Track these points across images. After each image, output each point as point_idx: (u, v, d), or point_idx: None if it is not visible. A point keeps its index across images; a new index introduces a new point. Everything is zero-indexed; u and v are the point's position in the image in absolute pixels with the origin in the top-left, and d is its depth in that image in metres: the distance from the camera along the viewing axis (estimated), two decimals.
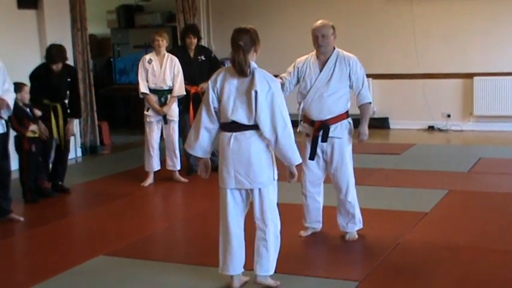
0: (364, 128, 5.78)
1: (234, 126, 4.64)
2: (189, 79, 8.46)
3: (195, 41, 8.56)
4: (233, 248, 4.78)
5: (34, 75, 7.66)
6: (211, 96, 4.68)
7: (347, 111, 5.72)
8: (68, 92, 7.88)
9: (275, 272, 4.83)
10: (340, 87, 5.62)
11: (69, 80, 7.78)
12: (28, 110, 7.38)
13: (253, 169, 4.67)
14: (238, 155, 4.67)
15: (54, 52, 7.59)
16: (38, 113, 7.39)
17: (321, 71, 5.64)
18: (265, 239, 4.75)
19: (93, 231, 6.58)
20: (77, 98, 8.10)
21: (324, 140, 5.62)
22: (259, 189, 4.71)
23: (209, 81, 4.75)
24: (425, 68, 11.72)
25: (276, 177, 4.77)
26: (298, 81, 5.75)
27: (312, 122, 5.68)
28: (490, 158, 9.20)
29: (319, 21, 5.70)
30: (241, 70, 4.58)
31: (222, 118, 4.69)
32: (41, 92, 7.58)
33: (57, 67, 7.58)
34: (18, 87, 7.30)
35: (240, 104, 4.60)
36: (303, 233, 5.92)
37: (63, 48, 7.71)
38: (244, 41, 4.60)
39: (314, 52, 5.73)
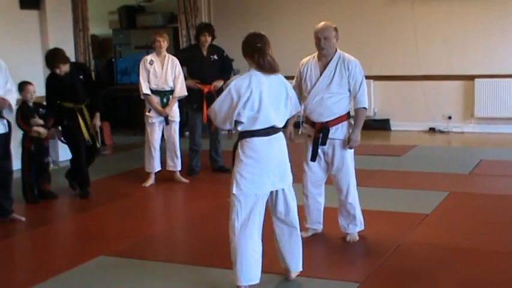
0: (356, 135, 5.67)
1: (272, 131, 4.68)
2: (201, 78, 8.49)
3: (209, 39, 8.57)
4: (258, 254, 4.72)
5: (47, 85, 7.70)
6: (243, 105, 4.60)
7: (348, 113, 5.72)
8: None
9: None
10: (340, 90, 5.61)
11: (81, 77, 7.77)
12: (33, 108, 7.45)
13: (286, 169, 4.79)
14: (278, 157, 4.72)
15: (50, 58, 7.56)
16: (38, 121, 7.42)
17: (321, 74, 5.63)
18: (298, 235, 4.90)
19: (94, 231, 6.59)
20: (94, 91, 7.99)
21: (323, 143, 5.63)
22: (284, 189, 4.78)
23: (239, 90, 4.61)
24: (426, 69, 11.72)
25: None
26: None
27: (313, 124, 5.69)
28: (491, 160, 9.20)
29: (322, 23, 5.68)
30: (272, 67, 4.66)
31: (256, 125, 4.64)
32: (60, 98, 7.62)
33: (61, 70, 7.55)
34: (22, 86, 7.35)
35: (276, 108, 4.68)
36: (303, 234, 5.91)
37: (57, 50, 7.64)
38: (261, 43, 4.67)
39: (316, 53, 5.73)
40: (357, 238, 5.83)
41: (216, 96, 8.42)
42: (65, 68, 7.55)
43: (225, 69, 8.71)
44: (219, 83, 8.51)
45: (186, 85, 8.43)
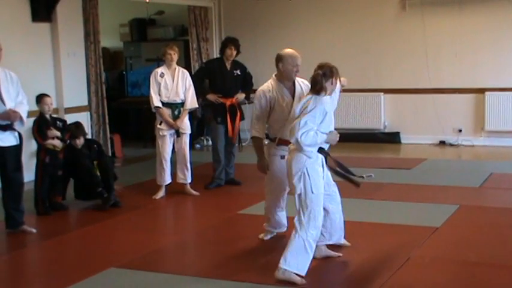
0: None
1: None
2: (223, 92, 8.53)
3: (234, 53, 8.61)
4: None
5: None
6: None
7: None
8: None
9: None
10: None
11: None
12: (50, 120, 7.54)
13: None
14: None
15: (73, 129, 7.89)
16: (55, 133, 7.51)
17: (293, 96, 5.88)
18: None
19: (105, 243, 6.61)
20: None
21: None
22: None
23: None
24: (437, 83, 11.72)
25: None
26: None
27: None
28: (502, 173, 9.18)
29: (292, 51, 5.92)
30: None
31: None
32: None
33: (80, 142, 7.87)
34: (39, 98, 7.43)
35: None
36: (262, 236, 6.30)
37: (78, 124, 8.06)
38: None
39: (274, 78, 5.97)
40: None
41: (238, 109, 8.53)
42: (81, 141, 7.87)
43: (246, 85, 8.78)
44: (241, 96, 8.64)
45: (208, 99, 8.49)
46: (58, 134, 7.52)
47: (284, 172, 5.62)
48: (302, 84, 5.93)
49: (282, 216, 6.26)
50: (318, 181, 5.17)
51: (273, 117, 5.94)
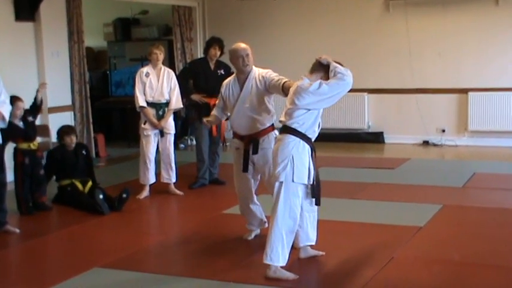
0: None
1: None
2: (207, 91, 8.53)
3: (218, 53, 8.62)
4: None
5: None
6: None
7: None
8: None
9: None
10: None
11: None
12: (22, 125, 7.45)
13: None
14: None
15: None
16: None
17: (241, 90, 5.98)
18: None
19: (89, 243, 6.59)
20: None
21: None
22: None
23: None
24: (420, 82, 11.78)
25: None
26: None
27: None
28: (485, 173, 9.23)
29: (238, 44, 6.00)
30: None
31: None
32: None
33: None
34: (11, 101, 7.32)
35: None
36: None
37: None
38: None
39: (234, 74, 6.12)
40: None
41: None
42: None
43: None
44: None
45: (192, 99, 8.50)
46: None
47: (239, 164, 5.98)
48: (259, 77, 5.94)
49: (257, 210, 6.25)
50: (301, 171, 5.16)
51: (230, 111, 6.12)
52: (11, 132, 7.22)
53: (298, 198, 5.20)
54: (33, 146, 7.52)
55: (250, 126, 5.93)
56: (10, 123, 7.23)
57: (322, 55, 5.29)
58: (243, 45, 5.97)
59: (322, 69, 5.24)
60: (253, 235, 6.33)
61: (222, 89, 6.15)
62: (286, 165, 5.12)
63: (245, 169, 5.98)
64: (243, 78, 5.99)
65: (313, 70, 5.29)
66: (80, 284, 5.34)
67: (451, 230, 6.62)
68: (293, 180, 5.13)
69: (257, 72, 5.96)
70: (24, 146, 7.44)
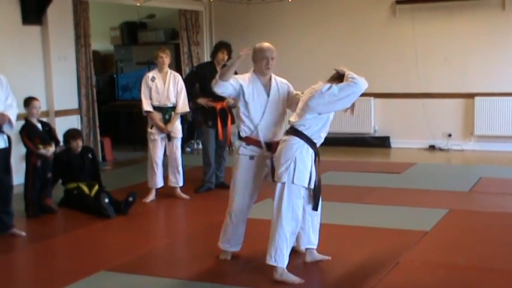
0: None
1: None
2: (214, 95, 8.49)
3: (226, 57, 8.58)
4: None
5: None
6: None
7: None
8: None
9: None
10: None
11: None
12: (40, 126, 7.50)
13: None
14: None
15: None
16: (48, 152, 7.54)
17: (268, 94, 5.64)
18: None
19: (95, 246, 6.60)
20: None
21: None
22: None
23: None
24: (427, 87, 11.77)
25: None
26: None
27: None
28: (491, 178, 9.21)
29: (266, 44, 5.69)
30: None
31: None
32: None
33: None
34: (27, 101, 7.39)
35: None
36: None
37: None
38: None
39: (251, 72, 5.70)
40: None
41: (229, 112, 8.50)
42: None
43: None
44: (232, 100, 8.57)
45: (199, 103, 8.50)
46: (50, 152, 7.54)
47: (251, 175, 5.59)
48: (280, 83, 5.70)
49: (244, 229, 5.89)
50: (303, 173, 5.17)
51: (246, 111, 5.62)
52: (29, 129, 7.30)
53: (301, 200, 5.23)
54: (48, 150, 7.53)
55: (278, 132, 5.63)
56: (28, 121, 7.33)
57: (340, 66, 5.39)
58: (271, 46, 5.64)
59: (339, 79, 5.28)
60: (229, 256, 5.89)
61: (241, 81, 5.58)
62: (288, 166, 5.14)
63: (274, 177, 5.37)
64: (264, 81, 5.64)
65: (331, 79, 5.33)
66: (86, 287, 5.35)
67: (457, 234, 6.61)
68: (293, 182, 5.14)
69: (274, 77, 5.72)
70: (40, 146, 7.46)
